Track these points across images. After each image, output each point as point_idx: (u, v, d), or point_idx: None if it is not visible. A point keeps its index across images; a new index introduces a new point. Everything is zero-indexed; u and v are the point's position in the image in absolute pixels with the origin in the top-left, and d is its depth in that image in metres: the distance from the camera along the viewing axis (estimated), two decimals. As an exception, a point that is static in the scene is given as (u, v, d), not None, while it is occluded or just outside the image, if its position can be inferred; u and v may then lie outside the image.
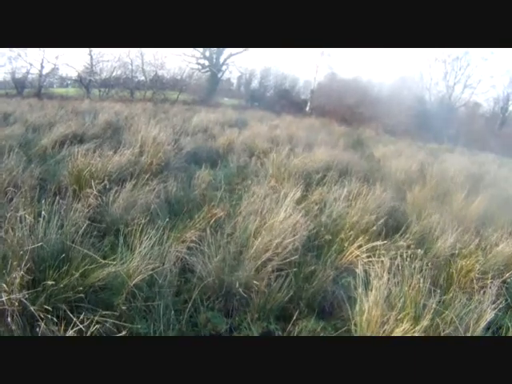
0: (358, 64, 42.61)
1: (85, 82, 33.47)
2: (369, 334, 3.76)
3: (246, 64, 42.13)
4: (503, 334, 4.25)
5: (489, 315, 3.86)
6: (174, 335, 3.65)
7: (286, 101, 37.05)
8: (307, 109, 40.01)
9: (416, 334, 3.51)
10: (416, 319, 3.71)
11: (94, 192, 5.87)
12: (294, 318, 3.93)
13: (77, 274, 3.79)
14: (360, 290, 3.98)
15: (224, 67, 39.20)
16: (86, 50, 33.55)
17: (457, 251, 5.59)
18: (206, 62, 38.35)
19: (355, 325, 3.94)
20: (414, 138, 28.96)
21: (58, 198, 5.30)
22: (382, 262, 4.19)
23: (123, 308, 3.77)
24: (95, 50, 33.96)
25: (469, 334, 3.70)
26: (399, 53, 46.37)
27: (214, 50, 38.09)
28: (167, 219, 5.02)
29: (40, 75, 33.57)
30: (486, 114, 41.26)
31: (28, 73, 34.19)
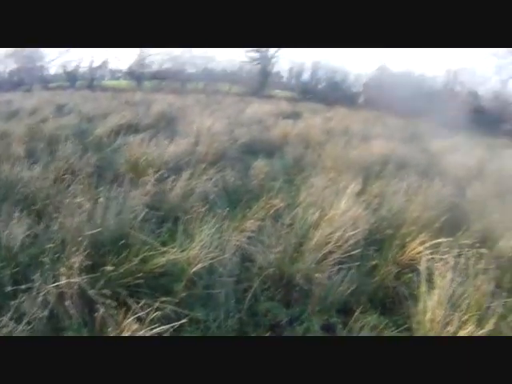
0: (409, 58, 42.32)
1: (136, 75, 33.74)
2: (432, 334, 3.64)
3: (296, 57, 42.02)
4: None
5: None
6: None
7: (338, 93, 36.81)
8: (360, 101, 39.73)
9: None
10: (480, 322, 3.56)
11: (152, 180, 5.88)
12: (356, 312, 3.85)
13: (136, 260, 3.83)
14: (423, 288, 3.88)
15: (274, 60, 39.02)
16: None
17: (523, 252, 5.39)
18: (256, 55, 38.18)
19: (417, 323, 3.84)
20: (470, 133, 28.55)
21: (115, 185, 5.38)
22: (445, 260, 4.07)
23: (183, 295, 3.77)
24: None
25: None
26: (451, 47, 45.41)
27: (265, 43, 38.04)
28: (226, 208, 4.98)
29: (91, 68, 34.32)
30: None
31: (79, 66, 35.23)
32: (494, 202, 7.68)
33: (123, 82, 36.43)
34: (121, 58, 35.44)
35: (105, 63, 36.63)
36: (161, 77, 34.96)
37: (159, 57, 35.46)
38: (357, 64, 45.15)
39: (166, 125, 12.07)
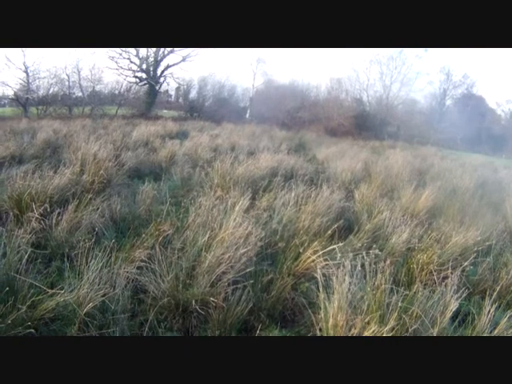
0: (294, 68, 43.47)
1: (22, 101, 31.85)
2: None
3: (184, 75, 41.87)
4: (469, 322, 4.16)
5: (453, 305, 3.85)
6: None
7: (226, 109, 37.08)
8: (247, 116, 40.21)
9: (384, 335, 3.42)
10: (383, 320, 3.61)
11: (36, 215, 5.54)
12: (257, 330, 3.83)
13: (24, 308, 3.54)
14: (322, 296, 3.84)
15: (161, 79, 38.75)
16: (22, 67, 32.26)
17: (413, 246, 5.60)
18: (144, 75, 37.73)
19: (320, 330, 3.83)
20: (356, 138, 29.63)
21: (-2, 224, 5.07)
22: (341, 264, 4.04)
23: (77, 339, 3.55)
24: (31, 67, 32.69)
25: (436, 327, 3.65)
26: (334, 55, 47.07)
27: (151, 62, 37.72)
28: (113, 239, 4.75)
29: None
30: (424, 109, 42.45)
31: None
32: (382, 202, 7.92)
33: (8, 110, 34.53)
34: (7, 83, 32.82)
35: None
36: (48, 102, 33.42)
37: (46, 81, 33.97)
38: (244, 78, 45.54)
39: (52, 153, 11.58)
